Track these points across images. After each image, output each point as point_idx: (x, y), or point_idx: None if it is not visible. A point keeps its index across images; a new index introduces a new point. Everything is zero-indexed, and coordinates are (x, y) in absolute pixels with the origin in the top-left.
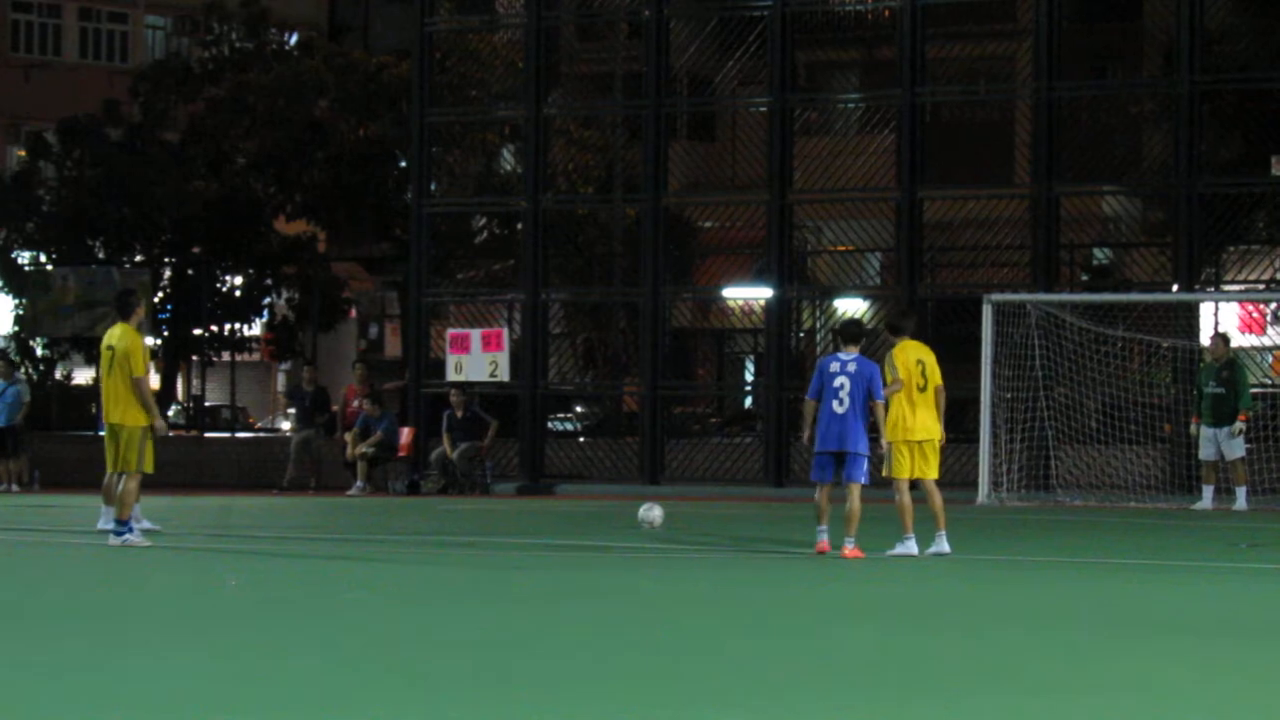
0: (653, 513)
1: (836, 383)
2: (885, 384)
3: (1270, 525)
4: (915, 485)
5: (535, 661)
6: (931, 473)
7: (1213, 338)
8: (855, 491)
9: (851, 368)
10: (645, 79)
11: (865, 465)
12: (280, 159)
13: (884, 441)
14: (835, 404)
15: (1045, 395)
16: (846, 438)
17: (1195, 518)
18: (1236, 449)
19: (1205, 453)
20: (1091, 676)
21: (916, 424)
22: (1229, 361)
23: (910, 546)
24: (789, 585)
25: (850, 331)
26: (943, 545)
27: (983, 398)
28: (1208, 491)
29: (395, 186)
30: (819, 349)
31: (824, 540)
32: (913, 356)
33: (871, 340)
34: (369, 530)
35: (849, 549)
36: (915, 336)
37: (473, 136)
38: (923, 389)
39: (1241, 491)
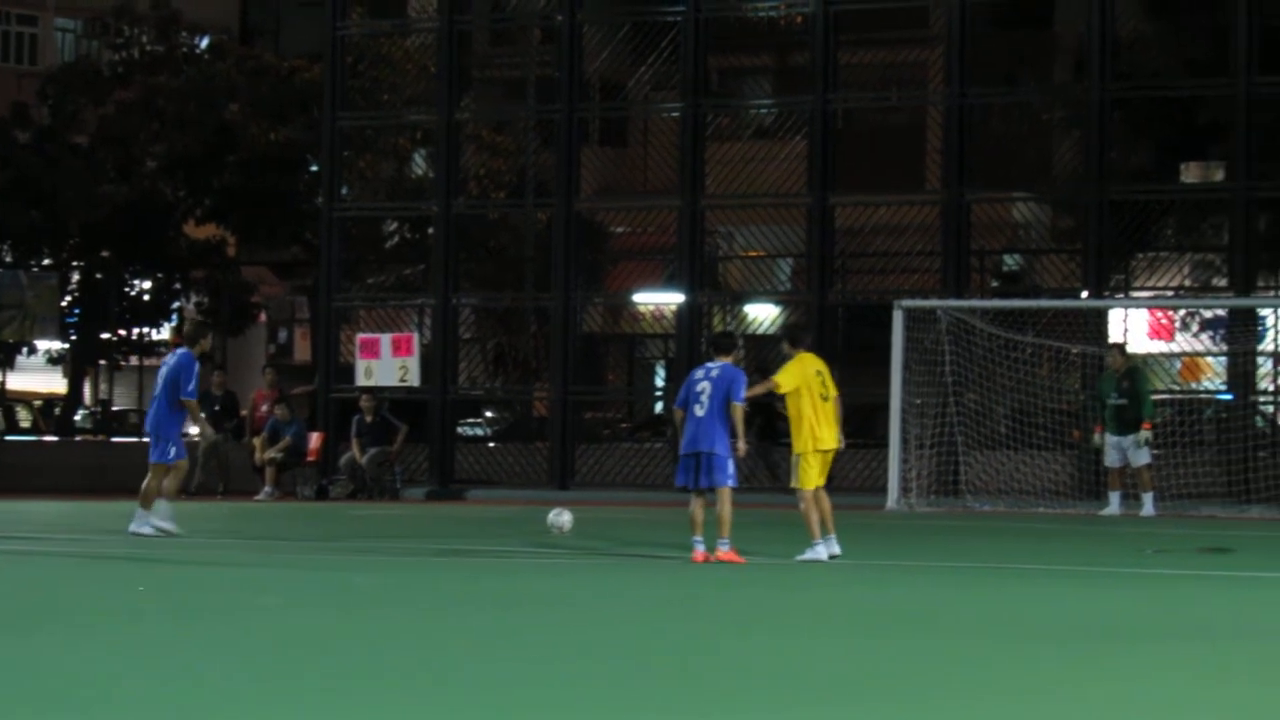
0: (562, 518)
1: (699, 388)
2: (773, 388)
3: (1177, 531)
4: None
5: (440, 668)
6: (823, 480)
7: (1110, 349)
8: (724, 496)
9: (715, 373)
10: (558, 84)
11: (729, 468)
12: (190, 163)
13: (741, 446)
14: (696, 408)
15: (955, 401)
16: (701, 439)
17: (1103, 523)
18: (1142, 456)
19: (1111, 460)
20: (993, 681)
21: (824, 434)
22: (1129, 371)
23: (819, 552)
24: (697, 590)
25: (721, 343)
26: (834, 546)
27: (892, 403)
28: (1115, 497)
29: (306, 190)
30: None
31: (699, 550)
32: (811, 368)
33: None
34: (278, 535)
35: (723, 551)
36: (816, 346)
37: (384, 141)
38: (825, 399)
39: (1148, 497)
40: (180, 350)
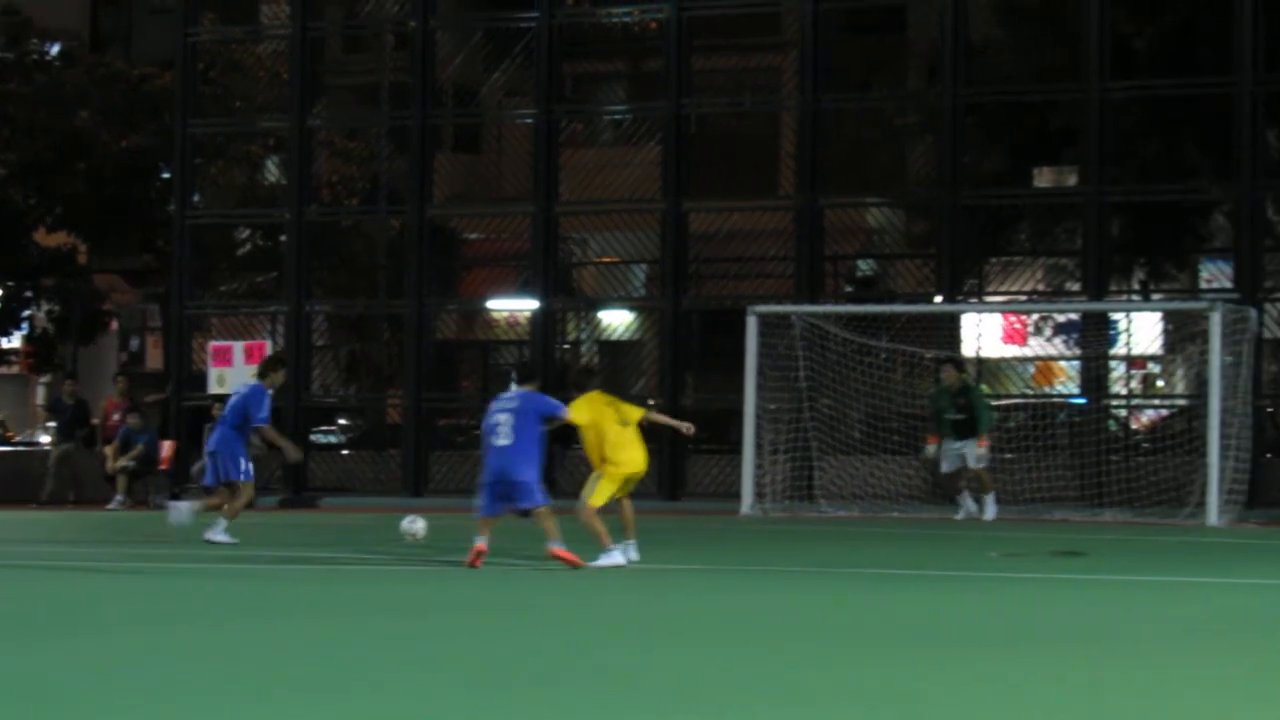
0: (416, 525)
1: (496, 419)
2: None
3: (1030, 534)
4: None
5: (294, 676)
6: (623, 493)
7: (944, 364)
8: (544, 514)
9: (513, 404)
10: (411, 90)
11: (538, 491)
12: (41, 170)
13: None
14: (495, 439)
15: (809, 406)
16: (507, 469)
17: (958, 527)
18: (979, 459)
19: (947, 466)
20: (842, 686)
21: (625, 458)
22: (964, 388)
23: (615, 556)
24: (552, 598)
25: (524, 373)
26: (633, 553)
27: (746, 409)
28: (964, 498)
29: (158, 198)
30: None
31: (482, 543)
32: (600, 402)
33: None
34: (130, 544)
35: (556, 549)
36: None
37: (236, 147)
38: (625, 424)
39: (989, 499)
40: (253, 383)
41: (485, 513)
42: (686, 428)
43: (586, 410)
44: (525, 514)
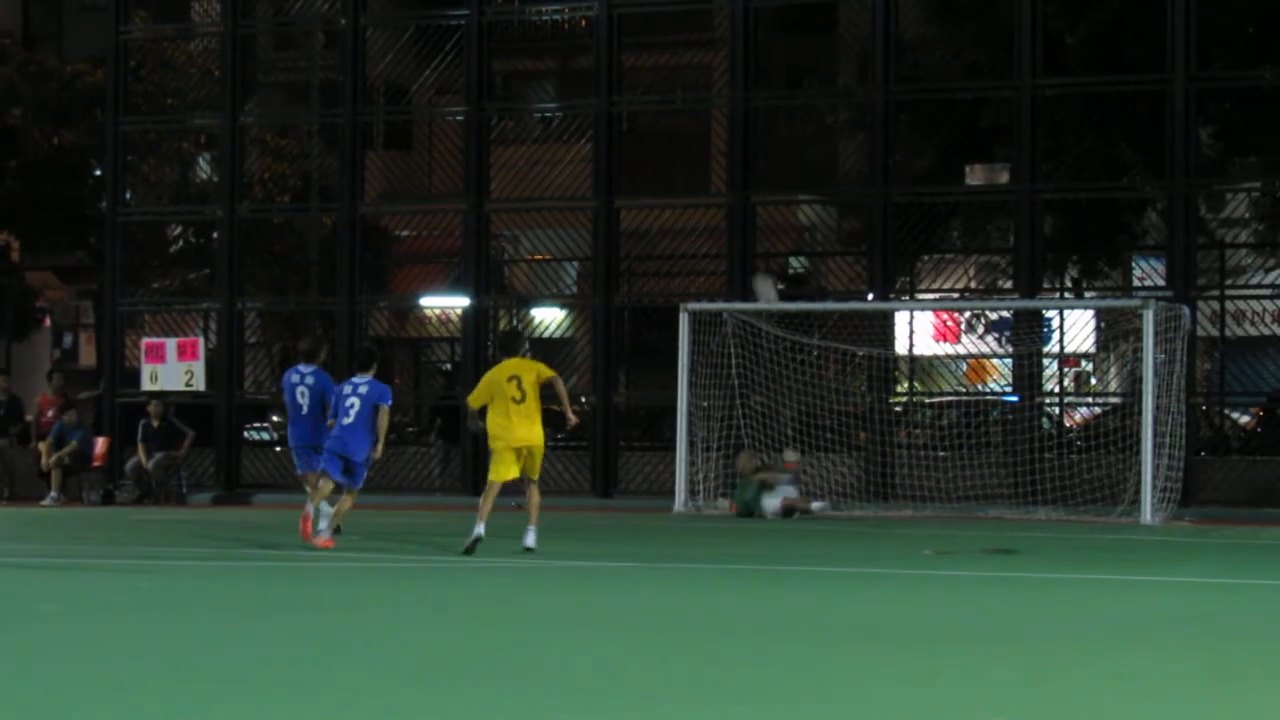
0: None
1: (348, 403)
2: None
3: (957, 532)
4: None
5: (229, 672)
6: (535, 473)
7: (743, 452)
8: (352, 497)
9: (362, 390)
10: (342, 88)
11: (363, 475)
12: None
13: (379, 449)
14: (344, 418)
15: (741, 404)
16: (348, 445)
17: (888, 526)
18: (788, 491)
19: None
20: (777, 684)
21: (516, 433)
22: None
23: (478, 530)
24: (486, 593)
25: (363, 360)
26: (529, 539)
27: (679, 406)
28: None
29: (90, 195)
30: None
31: (310, 508)
32: (503, 375)
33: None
34: (64, 541)
35: (321, 539)
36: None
37: (168, 145)
38: (519, 400)
39: (817, 504)
40: (311, 368)
41: (322, 469)
42: (571, 420)
43: (484, 390)
44: (339, 488)
